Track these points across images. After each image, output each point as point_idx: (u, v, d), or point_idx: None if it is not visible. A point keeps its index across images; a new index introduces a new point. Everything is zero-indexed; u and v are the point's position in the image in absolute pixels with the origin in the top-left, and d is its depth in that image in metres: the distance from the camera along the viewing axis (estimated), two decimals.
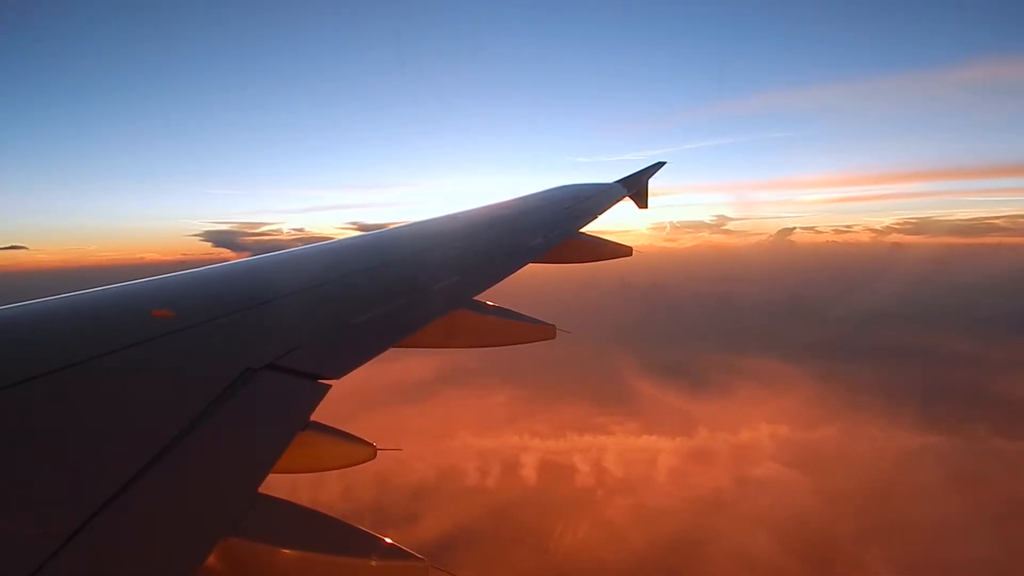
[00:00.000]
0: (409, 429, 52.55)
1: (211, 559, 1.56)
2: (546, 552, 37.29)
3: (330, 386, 2.46)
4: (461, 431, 53.51)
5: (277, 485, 1.94)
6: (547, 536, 38.56)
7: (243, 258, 4.57)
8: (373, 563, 1.90)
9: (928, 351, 73.88)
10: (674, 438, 52.96)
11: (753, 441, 52.64)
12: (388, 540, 1.97)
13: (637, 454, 50.92)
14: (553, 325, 3.89)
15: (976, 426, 50.66)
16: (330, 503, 39.10)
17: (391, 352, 3.23)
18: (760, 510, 40.80)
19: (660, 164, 8.82)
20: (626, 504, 42.72)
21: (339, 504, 39.50)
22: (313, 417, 2.29)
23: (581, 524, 39.89)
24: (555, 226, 5.68)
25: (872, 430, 52.24)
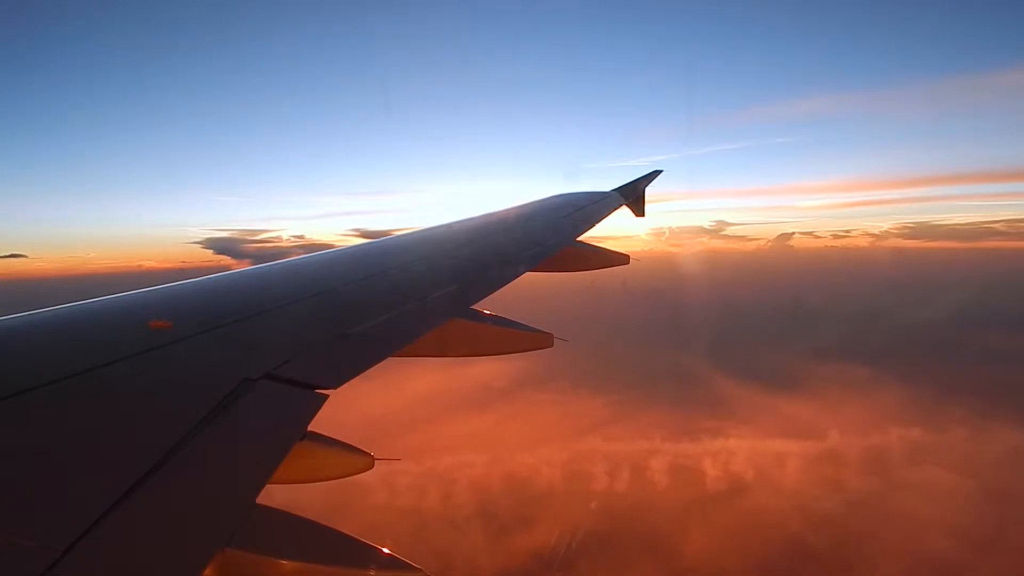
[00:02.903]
0: (502, 434, 52.70)
1: (209, 570, 1.57)
2: (686, 558, 35.91)
3: (327, 396, 2.47)
4: (568, 435, 52.65)
5: (276, 495, 1.95)
6: (701, 542, 37.23)
7: (243, 266, 4.58)
8: (372, 574, 1.91)
9: (980, 351, 73.86)
10: (803, 441, 51.28)
11: (885, 443, 50.96)
12: (386, 550, 1.98)
13: (769, 457, 49.18)
14: (551, 333, 3.91)
15: None
16: (432, 508, 39.88)
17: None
18: (924, 512, 39.48)
19: (657, 172, 8.86)
20: (784, 507, 41.32)
21: (443, 510, 40.13)
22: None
23: (728, 528, 38.76)
24: (552, 234, 5.71)
25: (1002, 431, 50.74)
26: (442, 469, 45.39)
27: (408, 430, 51.13)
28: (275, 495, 1.95)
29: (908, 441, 51.24)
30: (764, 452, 50.09)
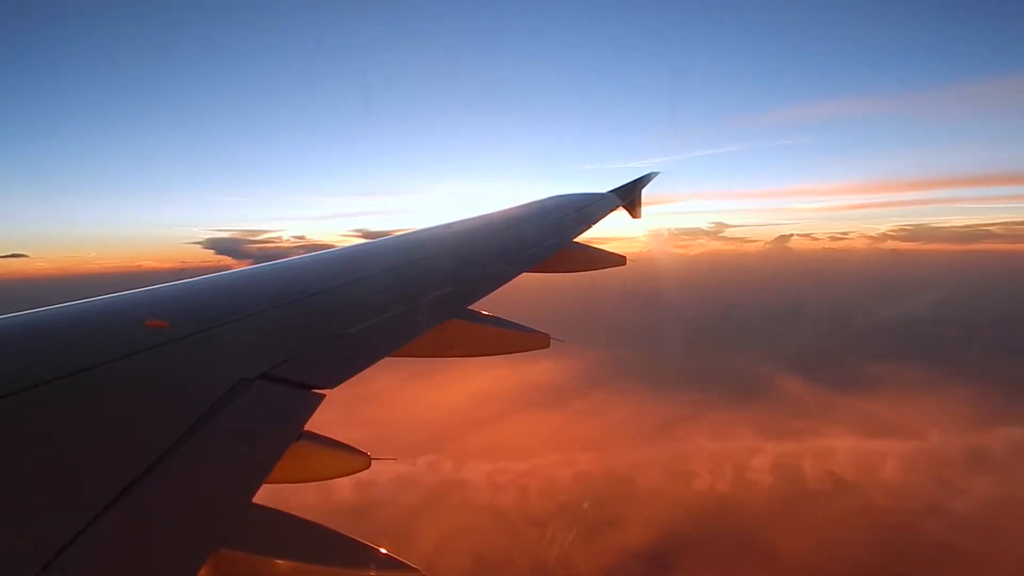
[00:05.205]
0: (578, 432, 51.89)
1: (204, 570, 1.57)
2: (791, 558, 34.93)
3: (324, 396, 2.48)
4: (638, 435, 51.95)
5: (273, 495, 1.96)
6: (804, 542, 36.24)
7: (244, 266, 4.58)
8: (370, 574, 1.92)
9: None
10: (905, 441, 49.65)
11: (986, 444, 49.01)
12: (383, 550, 1.99)
13: (874, 459, 47.18)
14: (547, 334, 3.92)
15: None
16: (521, 507, 39.68)
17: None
18: None
19: (653, 174, 8.86)
20: (893, 506, 40.27)
21: (532, 509, 39.80)
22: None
23: (836, 530, 37.66)
24: (549, 236, 5.72)
25: None
26: (525, 469, 45.12)
27: (477, 428, 51.02)
28: (276, 495, 1.95)
29: (1011, 440, 49.76)
30: (870, 454, 48.37)
